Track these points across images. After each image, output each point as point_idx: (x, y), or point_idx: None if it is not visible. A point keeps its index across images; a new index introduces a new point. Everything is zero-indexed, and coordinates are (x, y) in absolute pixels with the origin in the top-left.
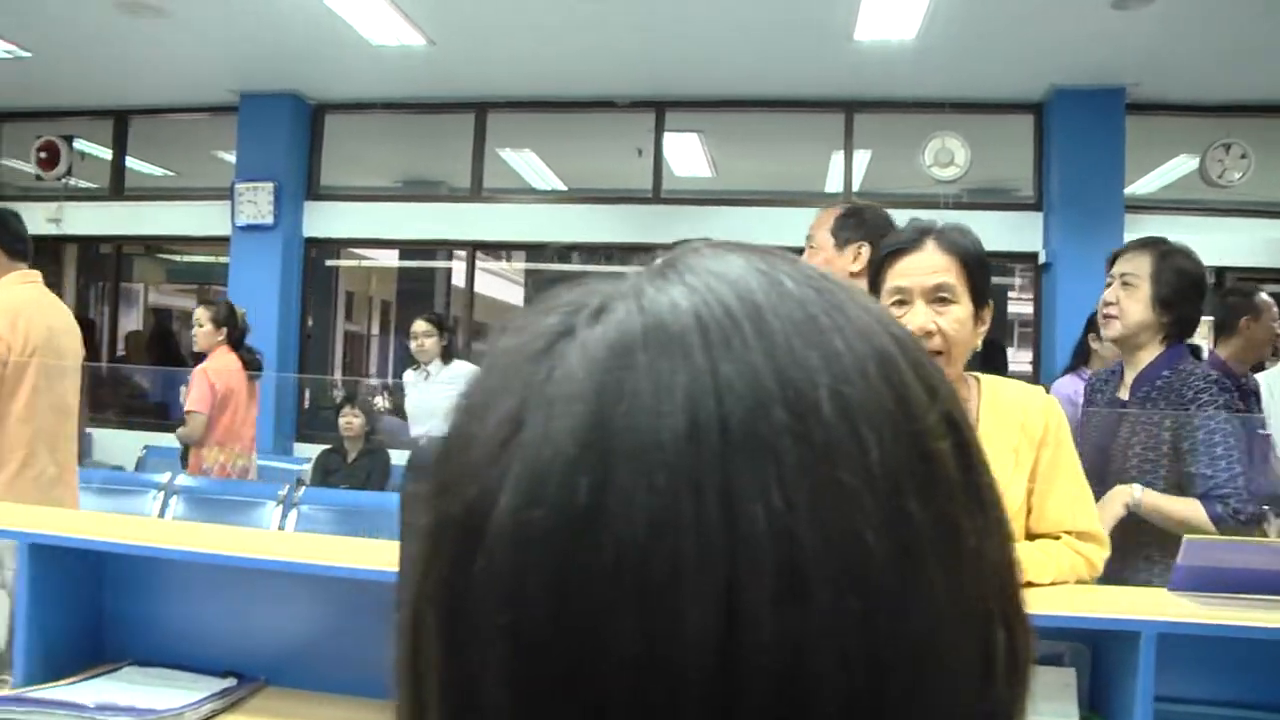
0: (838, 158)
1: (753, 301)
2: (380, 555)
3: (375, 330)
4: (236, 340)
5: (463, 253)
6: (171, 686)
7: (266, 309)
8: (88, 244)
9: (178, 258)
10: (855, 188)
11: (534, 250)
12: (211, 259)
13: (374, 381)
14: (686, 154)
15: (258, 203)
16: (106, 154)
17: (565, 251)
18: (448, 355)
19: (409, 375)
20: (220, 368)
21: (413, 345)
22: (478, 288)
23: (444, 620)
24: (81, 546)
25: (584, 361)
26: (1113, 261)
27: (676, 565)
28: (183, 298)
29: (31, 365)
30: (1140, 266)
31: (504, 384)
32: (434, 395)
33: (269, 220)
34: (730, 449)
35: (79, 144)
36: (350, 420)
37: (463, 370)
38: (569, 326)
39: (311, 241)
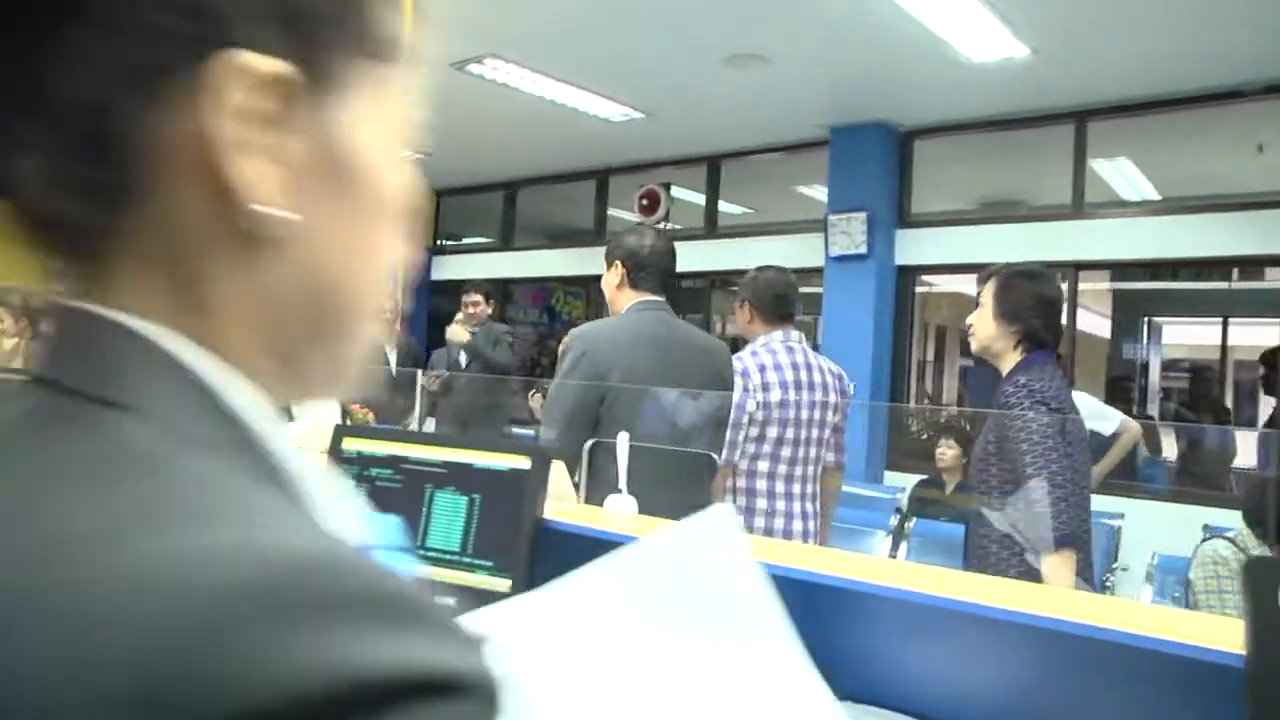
0: None
1: None
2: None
3: (929, 356)
4: None
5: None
6: None
7: (860, 337)
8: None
9: None
10: None
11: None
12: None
13: (958, 410)
14: None
15: (850, 233)
16: (697, 197)
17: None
18: None
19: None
20: None
21: None
22: None
23: None
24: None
25: None
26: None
27: None
28: None
29: None
30: (988, 290)
31: None
32: None
33: (862, 250)
34: None
35: (675, 190)
36: (945, 451)
37: (1086, 402)
38: None
39: (903, 270)
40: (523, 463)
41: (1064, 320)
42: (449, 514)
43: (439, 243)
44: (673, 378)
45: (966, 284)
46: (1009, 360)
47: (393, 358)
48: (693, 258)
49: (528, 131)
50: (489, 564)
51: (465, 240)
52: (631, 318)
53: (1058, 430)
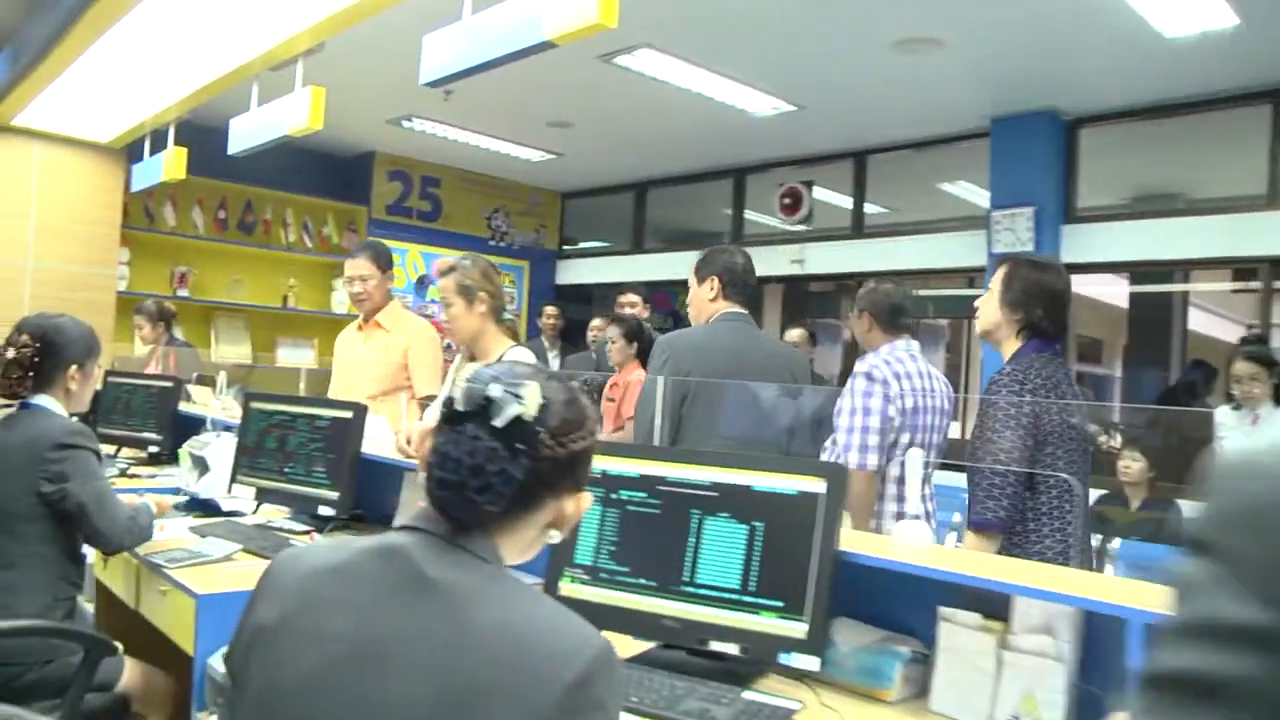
0: None
1: None
2: None
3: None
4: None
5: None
6: None
7: None
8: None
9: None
10: None
11: None
12: (952, 292)
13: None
14: None
15: (1015, 230)
16: (835, 197)
17: None
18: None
19: (1224, 414)
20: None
21: (1237, 389)
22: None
23: None
24: None
25: None
26: None
27: None
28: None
29: None
30: (996, 276)
31: None
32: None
33: (1029, 247)
34: None
35: (817, 191)
36: (1129, 464)
37: None
38: None
39: (1069, 268)
40: (815, 484)
41: (1069, 313)
42: (723, 545)
43: (563, 247)
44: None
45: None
46: (1010, 347)
47: (555, 364)
48: (836, 259)
49: (667, 128)
50: (777, 605)
51: (591, 244)
52: (715, 326)
53: (1025, 421)
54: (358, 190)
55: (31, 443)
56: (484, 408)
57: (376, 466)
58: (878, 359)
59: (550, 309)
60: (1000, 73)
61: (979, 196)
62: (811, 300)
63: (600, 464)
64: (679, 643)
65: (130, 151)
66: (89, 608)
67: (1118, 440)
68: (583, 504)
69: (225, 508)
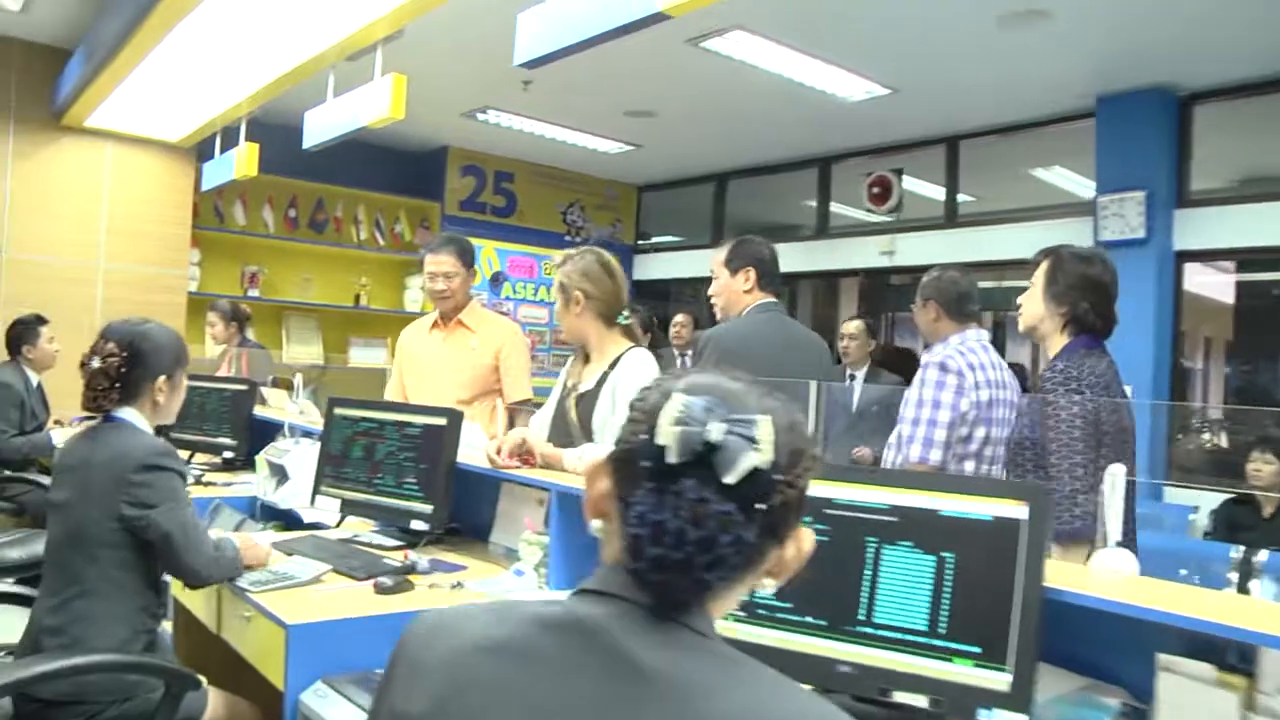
0: None
1: None
2: None
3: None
4: None
5: None
6: None
7: (1138, 333)
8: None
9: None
10: None
11: None
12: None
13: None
14: None
15: (1125, 215)
16: (921, 186)
17: None
18: None
19: None
20: None
21: None
22: None
23: None
24: None
25: None
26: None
27: None
28: None
29: None
30: (1040, 269)
31: None
32: None
33: (1140, 234)
34: None
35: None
36: (1261, 467)
37: None
38: None
39: (1180, 255)
40: (1015, 509)
41: (1115, 306)
42: (907, 579)
43: (638, 242)
44: (793, 371)
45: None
46: (1055, 343)
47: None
48: (928, 249)
49: (751, 116)
50: (973, 650)
51: (665, 238)
52: (755, 318)
53: (1090, 421)
54: (430, 186)
55: (114, 462)
56: (704, 455)
57: (469, 476)
58: (950, 349)
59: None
60: (1110, 46)
61: (1074, 183)
62: (890, 293)
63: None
64: (855, 691)
65: (200, 150)
66: (167, 628)
67: (1223, 439)
68: (805, 545)
69: (306, 519)
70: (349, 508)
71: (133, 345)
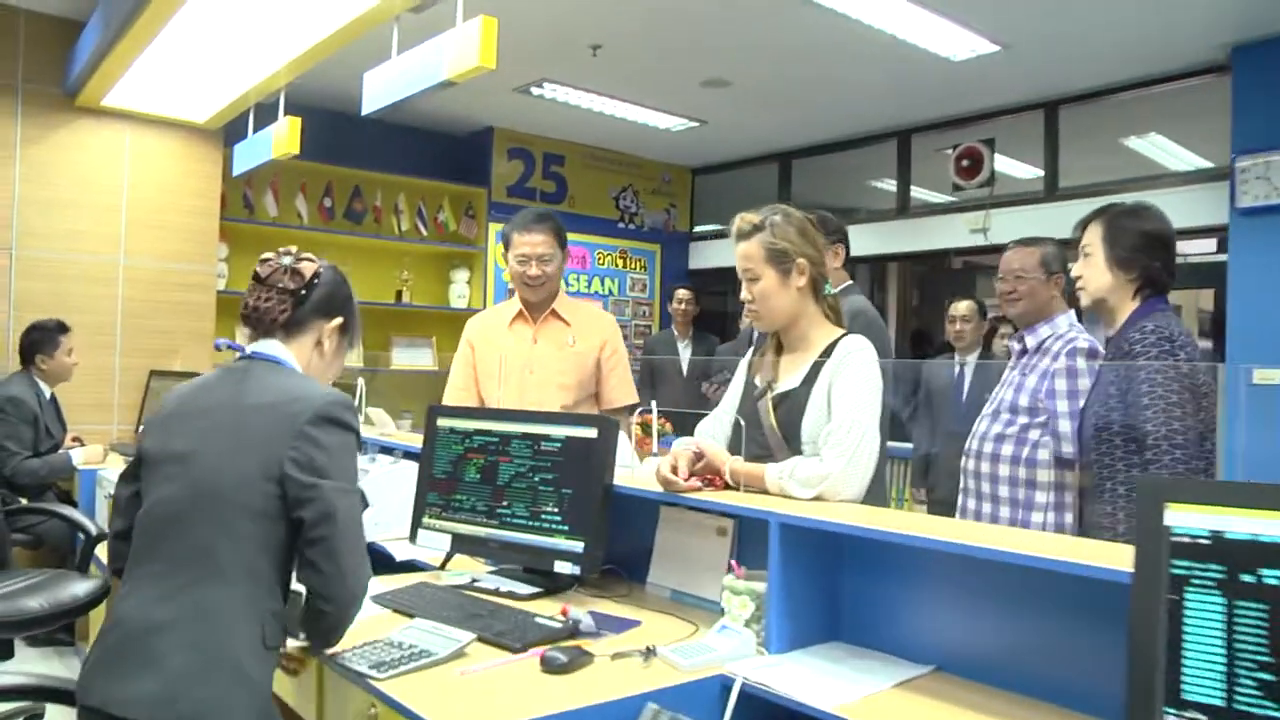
0: None
1: None
2: None
3: None
4: None
5: None
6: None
7: None
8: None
9: None
10: None
11: None
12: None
13: None
14: None
15: (1270, 178)
16: (1013, 165)
17: None
18: None
19: None
20: None
21: None
22: None
23: None
24: None
25: None
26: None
27: None
28: None
29: None
30: (1093, 235)
31: None
32: None
33: None
34: None
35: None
36: None
37: None
38: None
39: None
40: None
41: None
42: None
43: (693, 228)
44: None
45: None
46: (1127, 310)
47: (685, 355)
48: (1025, 226)
49: (836, 80)
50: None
51: (717, 225)
52: (858, 299)
53: (1188, 386)
54: (475, 171)
55: (282, 405)
56: None
57: (617, 498)
58: (1075, 332)
59: (682, 293)
60: None
61: (1168, 154)
62: (945, 279)
63: (1213, 524)
64: None
65: (228, 133)
66: None
67: None
68: None
69: (399, 556)
70: (463, 544)
71: (324, 271)
